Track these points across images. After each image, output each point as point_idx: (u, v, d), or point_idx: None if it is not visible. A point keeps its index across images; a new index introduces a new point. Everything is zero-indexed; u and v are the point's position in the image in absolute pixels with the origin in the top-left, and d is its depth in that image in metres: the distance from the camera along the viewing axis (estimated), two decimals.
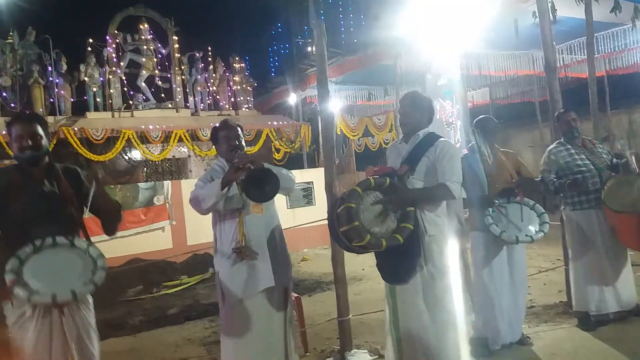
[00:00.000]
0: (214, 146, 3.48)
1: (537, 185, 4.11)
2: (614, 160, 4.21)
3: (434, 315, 3.04)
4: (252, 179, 2.93)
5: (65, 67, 10.52)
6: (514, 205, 3.81)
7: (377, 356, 3.97)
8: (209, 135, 10.69)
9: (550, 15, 6.00)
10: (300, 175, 10.32)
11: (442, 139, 3.20)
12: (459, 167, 3.13)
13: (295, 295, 4.28)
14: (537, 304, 4.86)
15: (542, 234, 3.71)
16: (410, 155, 3.15)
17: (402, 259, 3.01)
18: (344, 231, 2.87)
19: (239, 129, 3.30)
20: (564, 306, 4.62)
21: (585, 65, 6.00)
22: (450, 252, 3.15)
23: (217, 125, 3.38)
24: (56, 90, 10.30)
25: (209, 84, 11.98)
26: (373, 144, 13.14)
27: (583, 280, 4.16)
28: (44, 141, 2.65)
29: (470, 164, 3.87)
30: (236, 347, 3.19)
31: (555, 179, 4.16)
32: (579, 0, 5.85)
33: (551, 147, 4.33)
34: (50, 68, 10.31)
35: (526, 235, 3.67)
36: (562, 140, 4.30)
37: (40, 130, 2.63)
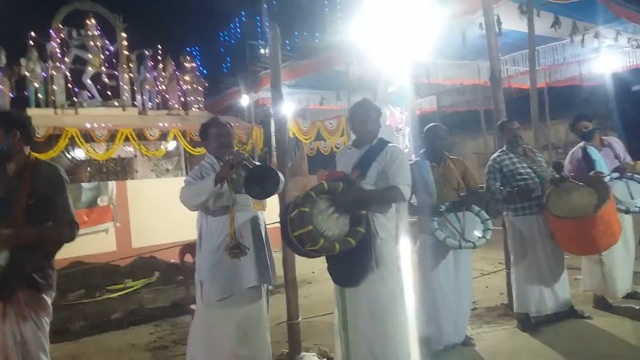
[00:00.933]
0: (204, 144, 3.47)
1: (482, 198, 4.27)
2: (556, 175, 4.38)
3: (383, 316, 3.11)
4: (253, 176, 2.96)
5: (4, 60, 10.00)
6: (458, 211, 3.94)
7: (325, 359, 4.00)
8: (157, 134, 10.51)
9: (496, 27, 6.27)
10: None
11: (390, 144, 3.31)
12: (409, 170, 3.25)
13: None
14: (480, 306, 5.02)
15: (485, 240, 3.85)
16: (362, 160, 3.24)
17: (354, 262, 3.06)
18: (297, 235, 2.90)
19: (229, 126, 3.32)
20: (505, 308, 4.80)
21: (527, 77, 6.28)
22: (399, 254, 3.25)
23: (207, 122, 3.39)
24: None
25: (158, 83, 11.69)
26: (325, 147, 13.21)
27: (524, 283, 4.34)
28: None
29: (420, 170, 3.99)
30: (210, 343, 3.18)
31: (501, 188, 4.33)
32: (522, 14, 6.14)
33: (494, 155, 4.49)
34: None
35: (469, 241, 3.80)
36: (504, 148, 4.48)
37: None
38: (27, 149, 2.85)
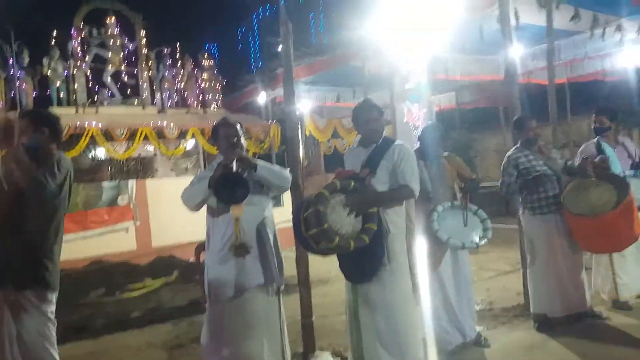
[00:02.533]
0: (215, 144, 3.56)
1: (477, 185, 4.22)
2: (568, 162, 4.36)
3: (395, 312, 3.16)
4: (222, 182, 3.01)
5: (27, 60, 10.18)
6: (457, 210, 3.91)
7: (339, 358, 4.01)
8: (176, 133, 10.62)
9: (514, 20, 6.17)
10: None
11: (397, 142, 3.38)
12: (417, 168, 3.33)
13: None
14: (496, 306, 4.98)
15: (486, 239, 3.82)
16: (370, 158, 3.32)
17: (366, 258, 3.11)
18: (311, 234, 2.93)
19: (238, 126, 3.37)
20: (522, 308, 4.75)
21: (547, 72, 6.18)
22: (409, 250, 3.28)
23: (217, 122, 3.45)
24: (17, 83, 9.99)
25: (176, 81, 11.80)
26: (342, 145, 13.19)
27: (541, 283, 4.30)
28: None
29: None
30: (220, 342, 3.22)
31: (516, 180, 4.29)
32: (541, 7, 6.02)
33: (510, 152, 4.45)
34: (11, 61, 9.98)
35: (471, 241, 3.77)
36: (519, 145, 4.42)
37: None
38: (53, 147, 2.97)
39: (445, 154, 4.22)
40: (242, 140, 3.37)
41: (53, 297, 2.93)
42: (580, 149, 4.97)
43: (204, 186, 3.14)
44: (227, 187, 3.00)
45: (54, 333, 2.91)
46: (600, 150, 4.68)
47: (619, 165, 4.61)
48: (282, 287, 3.43)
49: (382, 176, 3.25)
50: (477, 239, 3.79)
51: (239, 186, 3.02)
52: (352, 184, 3.09)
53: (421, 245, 3.96)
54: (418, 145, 4.25)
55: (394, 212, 3.23)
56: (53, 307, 2.93)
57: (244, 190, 3.03)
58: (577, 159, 4.84)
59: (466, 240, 3.75)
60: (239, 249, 3.13)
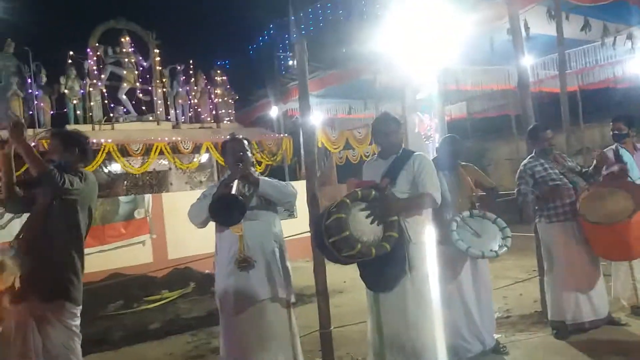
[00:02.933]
0: (223, 159, 3.63)
1: (497, 194, 4.26)
2: (584, 170, 4.40)
3: (418, 320, 3.17)
4: (218, 205, 3.08)
5: (45, 79, 10.42)
6: (476, 219, 3.93)
7: None
8: (190, 147, 10.76)
9: (524, 32, 6.23)
10: None
11: (416, 153, 3.44)
12: (437, 177, 3.37)
13: None
14: (514, 313, 4.97)
15: (506, 248, 3.81)
16: (390, 169, 3.36)
17: (388, 267, 3.14)
18: (333, 242, 2.97)
19: (245, 142, 3.43)
20: (539, 316, 4.74)
21: (558, 81, 6.21)
22: (430, 258, 3.29)
23: (226, 138, 3.53)
24: (35, 102, 10.21)
25: (190, 97, 11.97)
26: (354, 156, 13.26)
27: (559, 291, 4.29)
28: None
29: None
30: (233, 355, 3.26)
31: (533, 190, 4.31)
32: (551, 18, 6.09)
33: (525, 161, 4.47)
34: (29, 80, 10.21)
35: (491, 250, 3.77)
36: (534, 155, 4.45)
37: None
38: (81, 166, 3.09)
39: (463, 163, 4.25)
40: (249, 154, 3.42)
41: (78, 310, 3.00)
42: (598, 156, 4.96)
43: (205, 205, 3.19)
44: (223, 210, 3.06)
45: (79, 346, 2.98)
46: (618, 156, 4.67)
47: (637, 172, 4.61)
48: (293, 300, 3.44)
49: (402, 186, 3.29)
50: (496, 248, 3.79)
51: (235, 208, 3.06)
52: (373, 192, 3.14)
53: (441, 255, 3.98)
54: (436, 155, 4.29)
55: (415, 220, 3.26)
56: (78, 321, 3.00)
57: (240, 213, 3.08)
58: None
59: (485, 250, 3.75)
60: (243, 264, 3.19)
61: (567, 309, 4.22)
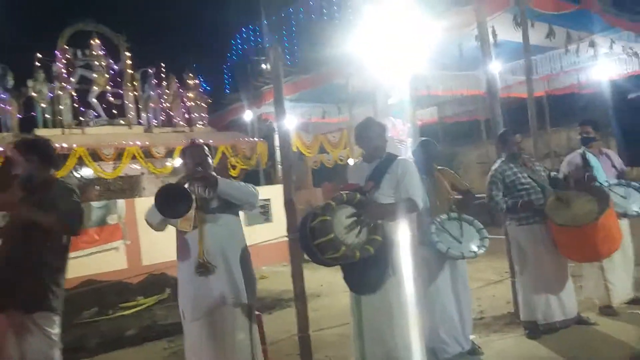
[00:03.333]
0: (167, 164, 3.59)
1: (474, 196, 4.40)
2: (552, 174, 4.56)
3: (399, 323, 3.23)
4: (163, 196, 3.01)
5: (11, 82, 10.20)
6: (453, 221, 4.05)
7: None
8: (163, 152, 10.66)
9: (492, 38, 6.41)
10: None
11: (400, 157, 3.50)
12: (420, 181, 3.45)
13: (257, 312, 4.35)
14: (487, 314, 5.11)
15: (484, 248, 3.94)
16: (374, 173, 3.43)
17: (371, 269, 3.19)
18: (318, 244, 3.01)
19: (204, 148, 3.41)
20: (512, 316, 4.88)
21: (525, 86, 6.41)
22: (413, 261, 3.36)
23: (185, 144, 3.50)
24: (2, 105, 9.97)
25: (162, 100, 11.87)
26: (329, 160, 13.35)
27: (530, 292, 4.42)
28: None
29: None
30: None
31: (505, 199, 4.44)
32: (517, 26, 6.28)
33: (495, 166, 4.60)
34: None
35: (470, 251, 3.89)
36: (504, 159, 4.59)
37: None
38: (48, 170, 3.03)
39: (439, 167, 4.36)
40: (210, 160, 3.41)
41: (58, 320, 2.97)
42: (567, 159, 5.13)
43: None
44: (168, 200, 2.99)
45: (59, 356, 2.95)
46: (585, 160, 4.84)
47: (604, 175, 4.79)
48: (254, 305, 3.41)
49: (386, 189, 3.36)
50: (475, 249, 3.91)
51: (181, 200, 3.00)
52: (358, 196, 3.20)
53: (421, 257, 4.07)
54: (412, 159, 4.38)
55: (398, 224, 3.32)
56: (58, 330, 2.96)
57: (186, 205, 3.01)
58: (562, 169, 5.04)
59: (465, 251, 3.87)
60: (201, 268, 3.15)
61: (538, 310, 4.36)
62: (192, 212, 3.16)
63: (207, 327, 3.17)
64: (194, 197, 3.15)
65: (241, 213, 3.50)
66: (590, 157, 4.87)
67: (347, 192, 3.20)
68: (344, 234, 3.06)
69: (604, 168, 4.91)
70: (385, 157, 3.50)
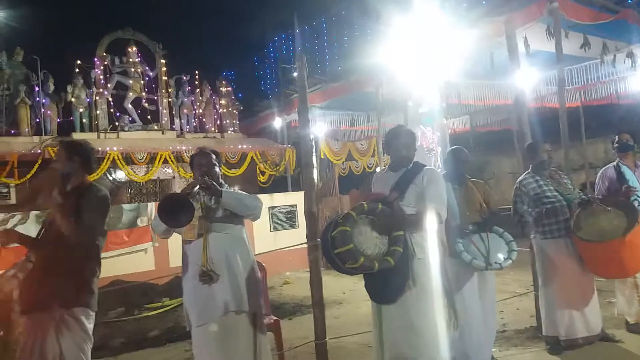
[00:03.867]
0: (192, 172, 3.65)
1: (503, 219, 4.29)
2: (580, 194, 4.41)
3: (418, 334, 3.17)
4: (166, 206, 3.07)
5: (52, 87, 10.61)
6: (482, 233, 3.97)
7: None
8: None
9: (524, 48, 6.31)
10: (284, 198, 10.44)
11: (427, 167, 3.42)
12: (445, 192, 3.35)
13: (274, 318, 4.38)
14: (509, 328, 5.00)
15: (510, 261, 3.84)
16: (399, 182, 3.35)
17: (391, 280, 3.15)
18: (337, 253, 3.01)
19: (212, 156, 3.45)
20: (534, 330, 4.76)
21: None
22: (435, 273, 3.30)
23: (194, 152, 3.55)
24: (42, 110, 10.37)
25: (195, 107, 12.13)
26: (357, 168, 13.33)
27: (553, 306, 4.31)
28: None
29: None
30: None
31: (529, 210, 4.35)
32: (550, 36, 6.16)
33: (521, 178, 4.51)
34: (37, 88, 10.39)
35: (495, 263, 3.82)
36: (530, 171, 4.50)
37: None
38: (85, 174, 3.17)
39: (473, 180, 4.28)
40: (217, 169, 3.44)
41: (93, 316, 3.08)
42: (600, 172, 4.98)
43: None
44: (170, 210, 3.03)
45: (89, 350, 3.06)
46: (620, 173, 4.69)
47: (639, 188, 4.62)
48: (261, 313, 3.42)
49: (410, 200, 3.28)
50: (501, 260, 3.83)
51: (182, 210, 3.03)
52: (380, 206, 3.16)
53: (448, 268, 4.01)
54: (443, 168, 4.32)
55: (421, 235, 3.25)
56: (91, 326, 3.08)
57: (187, 215, 3.03)
58: (597, 182, 4.89)
59: (490, 262, 3.79)
60: (205, 277, 3.18)
61: (561, 325, 4.24)
62: (195, 221, 3.22)
63: (212, 333, 3.22)
64: (197, 206, 3.20)
65: (264, 218, 3.54)
66: (625, 169, 4.72)
67: (368, 202, 3.18)
68: (364, 245, 3.04)
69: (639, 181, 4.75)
70: (412, 166, 3.41)
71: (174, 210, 3.02)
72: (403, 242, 3.12)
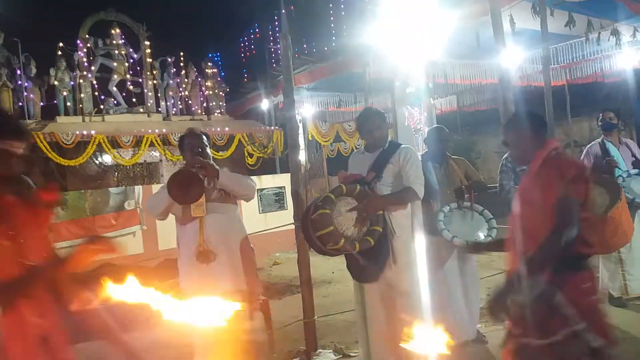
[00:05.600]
0: (182, 154, 3.63)
1: (485, 187, 4.37)
2: None
3: (401, 310, 3.23)
4: (177, 181, 3.07)
5: (34, 70, 10.44)
6: (464, 211, 4.03)
7: (341, 356, 4.14)
8: None
9: (509, 27, 6.30)
10: (272, 180, 10.44)
11: (403, 145, 3.46)
12: (421, 170, 3.41)
13: (263, 298, 4.42)
14: None
15: (491, 238, 3.91)
16: (376, 163, 3.39)
17: (372, 259, 3.20)
18: (318, 236, 3.05)
19: (203, 137, 3.44)
20: None
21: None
22: (414, 251, 3.36)
23: (184, 133, 3.53)
24: (25, 94, 10.21)
25: (180, 89, 12.00)
26: (345, 149, 13.34)
27: None
28: None
29: (424, 170, 4.09)
30: (196, 349, 3.36)
31: (515, 186, 4.39)
32: (535, 14, 6.16)
33: (506, 154, 4.55)
34: (19, 71, 10.21)
35: (475, 240, 3.88)
36: None
37: None
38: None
39: (454, 157, 4.33)
40: (208, 150, 3.43)
41: None
42: (585, 149, 5.05)
43: (164, 195, 3.19)
44: (181, 185, 3.05)
45: None
46: (605, 150, 4.75)
47: (624, 165, 4.70)
48: (255, 291, 3.47)
49: (387, 179, 3.33)
50: (482, 238, 3.89)
51: (193, 185, 3.06)
52: (358, 187, 3.19)
53: (429, 245, 4.06)
54: (425, 149, 4.36)
55: (399, 214, 3.31)
56: None
57: (199, 189, 3.07)
58: (582, 158, 4.96)
59: (470, 239, 3.85)
60: (202, 256, 3.20)
61: None
62: (203, 198, 3.22)
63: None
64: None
65: (253, 200, 3.55)
66: (609, 146, 4.79)
67: (346, 184, 3.20)
68: (344, 226, 3.08)
69: (624, 158, 4.83)
70: (388, 145, 3.45)
71: (185, 186, 3.03)
72: (382, 222, 3.16)
